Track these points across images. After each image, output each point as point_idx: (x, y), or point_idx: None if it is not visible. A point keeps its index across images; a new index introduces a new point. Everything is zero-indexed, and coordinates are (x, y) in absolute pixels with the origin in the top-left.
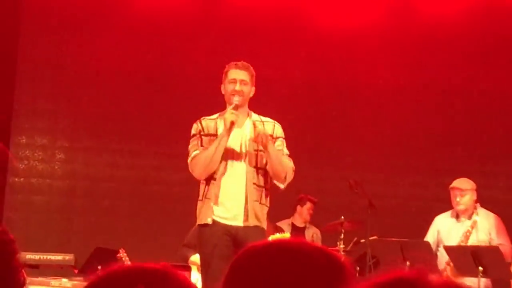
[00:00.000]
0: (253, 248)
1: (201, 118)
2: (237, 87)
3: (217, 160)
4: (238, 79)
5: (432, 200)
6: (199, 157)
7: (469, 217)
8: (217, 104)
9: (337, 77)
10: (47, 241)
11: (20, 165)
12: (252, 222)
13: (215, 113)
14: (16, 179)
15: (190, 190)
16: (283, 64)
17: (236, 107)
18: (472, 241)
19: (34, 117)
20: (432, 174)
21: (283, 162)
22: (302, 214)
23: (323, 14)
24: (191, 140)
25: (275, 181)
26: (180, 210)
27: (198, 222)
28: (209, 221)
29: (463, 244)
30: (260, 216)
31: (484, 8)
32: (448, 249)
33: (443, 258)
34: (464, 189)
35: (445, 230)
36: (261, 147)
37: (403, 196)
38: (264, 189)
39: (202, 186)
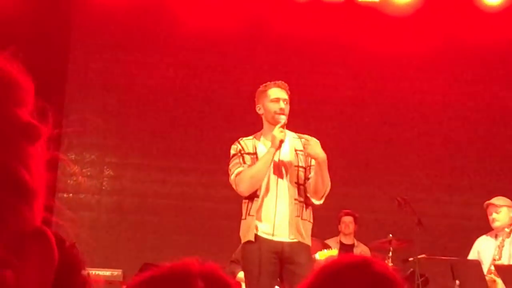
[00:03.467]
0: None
1: (239, 139)
2: (282, 105)
3: (263, 176)
4: (281, 98)
5: (481, 218)
6: (244, 174)
7: (508, 235)
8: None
9: (385, 95)
10: (96, 257)
11: (69, 181)
12: (295, 237)
13: (258, 131)
14: (65, 195)
15: (237, 207)
16: (330, 82)
17: (284, 126)
18: (505, 256)
19: (83, 134)
20: (482, 192)
21: (326, 178)
22: (343, 229)
23: (369, 33)
24: (231, 160)
25: (311, 197)
26: (228, 226)
27: (242, 240)
28: (252, 238)
29: (497, 258)
30: (303, 231)
31: None
32: (498, 268)
33: None
34: (498, 206)
35: (484, 250)
36: (300, 163)
37: (452, 215)
38: (305, 204)
39: (244, 205)
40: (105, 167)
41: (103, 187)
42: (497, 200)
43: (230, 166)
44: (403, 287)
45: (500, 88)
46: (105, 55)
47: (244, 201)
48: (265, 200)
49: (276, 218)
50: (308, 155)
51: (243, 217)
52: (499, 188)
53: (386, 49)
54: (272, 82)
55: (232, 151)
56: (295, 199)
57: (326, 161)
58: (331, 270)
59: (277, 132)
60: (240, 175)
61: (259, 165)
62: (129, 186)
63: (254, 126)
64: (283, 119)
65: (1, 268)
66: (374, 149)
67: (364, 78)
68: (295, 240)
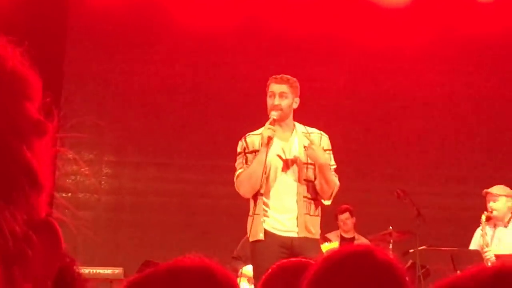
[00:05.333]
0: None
1: (246, 135)
2: (276, 101)
3: (258, 176)
4: (277, 92)
5: (480, 209)
6: (242, 175)
7: (505, 225)
8: (263, 117)
9: (382, 88)
10: (96, 256)
11: (67, 180)
12: (303, 234)
13: (261, 126)
14: (64, 194)
15: (237, 203)
16: (327, 75)
17: (274, 122)
18: (496, 246)
19: (81, 132)
20: (481, 183)
21: (330, 180)
22: (341, 226)
23: (366, 25)
24: (237, 158)
25: (320, 197)
26: (228, 223)
27: (250, 238)
28: (261, 236)
29: (485, 247)
30: (311, 228)
31: None
32: (498, 258)
33: None
34: (496, 195)
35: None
36: (309, 160)
37: (451, 206)
38: (313, 200)
39: (251, 202)
40: (103, 165)
41: (102, 186)
42: (495, 189)
43: (236, 164)
44: (405, 275)
45: (497, 79)
46: (102, 53)
47: (250, 198)
48: (272, 198)
49: (284, 216)
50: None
51: (250, 213)
52: (498, 178)
53: (383, 42)
54: (274, 76)
55: (238, 149)
56: (304, 197)
57: (327, 165)
58: (335, 260)
59: (265, 129)
60: (239, 177)
61: (253, 166)
62: (128, 184)
63: (252, 121)
64: (273, 115)
65: (10, 264)
66: (372, 143)
67: (360, 72)
68: (303, 236)
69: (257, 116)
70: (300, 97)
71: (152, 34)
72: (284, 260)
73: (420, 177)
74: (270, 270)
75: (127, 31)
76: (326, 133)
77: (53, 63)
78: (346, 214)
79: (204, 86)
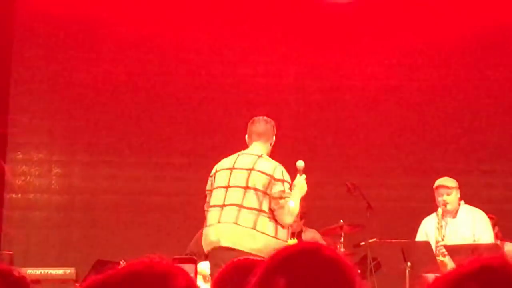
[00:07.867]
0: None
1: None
2: None
3: None
4: None
5: (430, 200)
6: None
7: (454, 216)
8: (211, 113)
9: (330, 81)
10: (47, 256)
11: (17, 180)
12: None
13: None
14: (14, 195)
15: (189, 200)
16: (274, 70)
17: None
18: (453, 235)
19: (30, 132)
20: (430, 175)
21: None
22: None
23: (313, 19)
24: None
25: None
26: (180, 220)
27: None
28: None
29: (440, 239)
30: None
31: (478, 8)
32: (448, 249)
33: None
34: (450, 187)
35: (431, 232)
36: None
37: (401, 198)
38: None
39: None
40: (53, 165)
41: (52, 186)
42: (447, 182)
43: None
44: (353, 270)
45: (444, 73)
46: (48, 54)
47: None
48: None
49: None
50: None
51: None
52: (446, 170)
53: (330, 35)
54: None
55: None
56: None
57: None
58: (283, 257)
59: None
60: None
61: None
62: (78, 183)
63: (200, 118)
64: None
65: None
66: (321, 136)
67: (308, 66)
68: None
69: (206, 113)
70: (247, 92)
71: (97, 32)
72: (236, 259)
73: (369, 170)
74: (223, 268)
75: (73, 30)
76: (276, 128)
77: (0, 64)
78: None
79: (152, 84)
